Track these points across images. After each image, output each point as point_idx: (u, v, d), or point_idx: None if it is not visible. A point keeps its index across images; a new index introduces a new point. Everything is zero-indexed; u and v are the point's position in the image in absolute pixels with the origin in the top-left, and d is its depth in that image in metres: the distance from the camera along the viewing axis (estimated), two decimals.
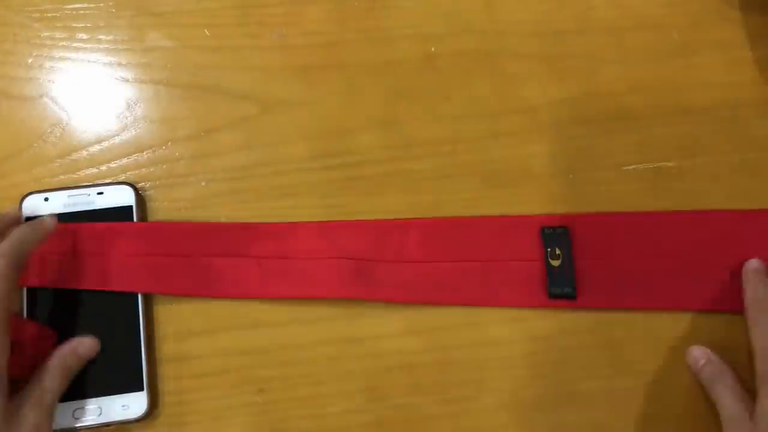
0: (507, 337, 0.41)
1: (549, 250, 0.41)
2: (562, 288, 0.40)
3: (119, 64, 0.44)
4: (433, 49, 0.45)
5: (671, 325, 0.41)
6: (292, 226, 0.41)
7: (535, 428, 0.40)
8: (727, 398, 0.38)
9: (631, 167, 0.43)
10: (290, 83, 0.44)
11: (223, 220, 0.42)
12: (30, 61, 0.44)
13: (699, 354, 0.40)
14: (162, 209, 0.42)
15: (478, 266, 0.41)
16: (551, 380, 0.40)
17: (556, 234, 0.41)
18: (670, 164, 0.44)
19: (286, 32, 0.45)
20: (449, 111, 0.44)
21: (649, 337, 0.41)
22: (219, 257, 0.41)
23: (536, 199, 0.43)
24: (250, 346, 0.40)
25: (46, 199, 0.41)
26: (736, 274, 0.41)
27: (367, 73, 0.45)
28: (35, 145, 0.43)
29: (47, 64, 0.44)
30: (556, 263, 0.41)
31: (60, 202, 0.41)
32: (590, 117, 0.44)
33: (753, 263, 0.41)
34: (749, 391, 0.38)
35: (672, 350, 0.40)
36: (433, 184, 0.43)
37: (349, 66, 0.45)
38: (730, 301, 0.41)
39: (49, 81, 0.44)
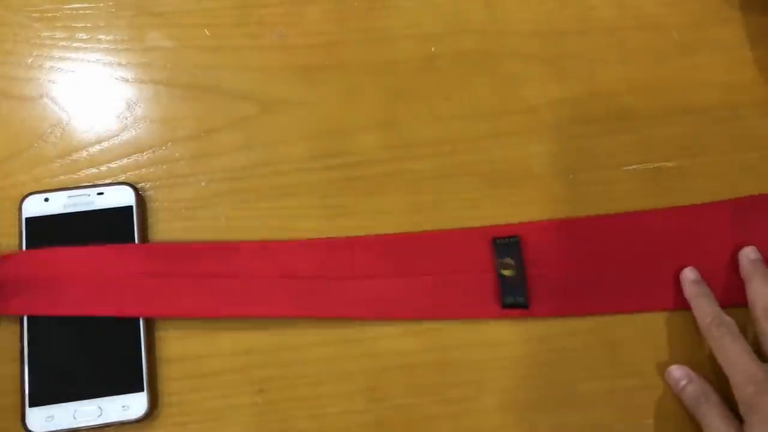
0: (506, 338, 0.41)
1: (500, 260, 0.41)
2: (515, 297, 0.40)
3: (119, 64, 0.44)
4: (433, 49, 0.45)
5: (671, 325, 0.41)
6: (234, 246, 0.41)
7: (535, 429, 0.40)
8: (715, 420, 0.37)
9: (631, 167, 0.43)
10: (290, 83, 0.44)
11: (223, 220, 0.42)
12: (30, 61, 0.44)
13: (680, 374, 0.39)
14: (162, 209, 0.42)
15: (429, 280, 0.41)
16: (551, 381, 0.40)
17: (508, 244, 0.41)
18: (670, 164, 0.44)
19: (286, 32, 0.45)
20: (449, 111, 0.44)
21: (649, 337, 0.41)
22: (158, 278, 0.40)
23: (536, 199, 0.43)
24: (250, 346, 0.40)
25: (46, 200, 0.41)
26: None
27: (367, 73, 0.45)
28: (35, 145, 0.43)
29: (47, 64, 0.44)
30: (508, 273, 0.41)
31: (60, 203, 0.41)
32: (590, 117, 0.44)
33: (688, 275, 0.40)
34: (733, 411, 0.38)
35: (672, 350, 0.40)
36: (433, 184, 0.43)
37: (349, 66, 0.45)
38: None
39: (49, 81, 0.44)
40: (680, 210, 0.42)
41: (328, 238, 0.42)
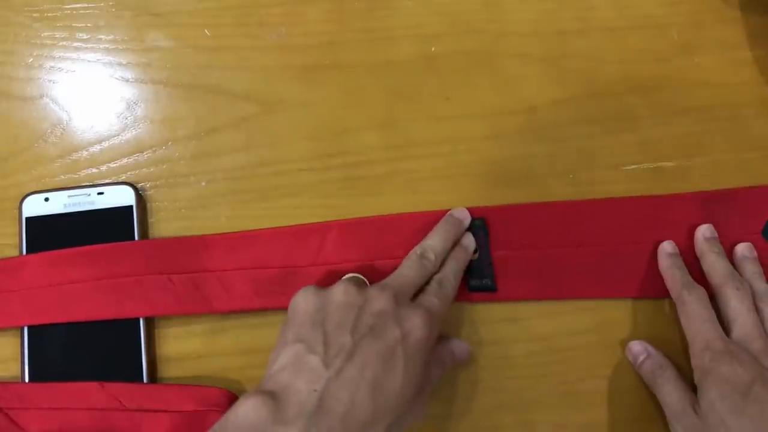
0: (506, 337, 0.41)
1: None
2: (481, 280, 0.40)
3: (119, 64, 0.44)
4: (433, 49, 0.45)
5: (672, 325, 0.41)
6: (203, 240, 0.41)
7: (535, 428, 0.40)
8: (670, 394, 0.38)
9: (631, 167, 0.44)
10: (290, 83, 0.44)
11: (223, 220, 0.42)
12: (30, 61, 0.44)
13: (639, 350, 0.40)
14: (162, 209, 0.42)
15: (398, 263, 0.40)
16: (551, 380, 0.40)
17: (474, 227, 0.41)
18: (670, 164, 0.44)
19: (286, 32, 0.45)
20: (449, 111, 0.44)
21: (649, 337, 0.41)
22: (129, 277, 0.40)
23: (536, 200, 0.43)
24: (250, 346, 0.40)
25: (47, 199, 0.41)
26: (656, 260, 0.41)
27: (367, 73, 0.45)
28: (35, 145, 0.43)
29: (47, 64, 0.44)
30: (474, 256, 0.41)
31: (60, 203, 0.41)
32: (590, 117, 0.44)
33: (666, 247, 0.41)
34: (691, 384, 0.38)
35: (672, 350, 0.40)
36: (433, 184, 0.43)
37: (349, 66, 0.45)
38: (653, 288, 0.41)
39: (49, 81, 0.44)
40: (651, 199, 0.42)
41: (298, 224, 0.41)
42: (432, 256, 0.38)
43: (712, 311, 0.38)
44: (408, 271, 0.37)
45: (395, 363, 0.33)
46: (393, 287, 0.35)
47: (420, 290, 0.38)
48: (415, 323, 0.34)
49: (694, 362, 0.37)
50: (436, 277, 0.38)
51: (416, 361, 0.33)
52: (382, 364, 0.32)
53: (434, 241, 0.39)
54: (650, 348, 0.40)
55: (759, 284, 0.40)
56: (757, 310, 0.39)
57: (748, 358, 0.36)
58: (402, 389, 0.32)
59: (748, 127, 0.44)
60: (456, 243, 0.40)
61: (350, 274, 0.38)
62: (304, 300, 0.35)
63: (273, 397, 0.31)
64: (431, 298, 0.37)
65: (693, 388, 0.37)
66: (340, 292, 0.35)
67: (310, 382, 0.31)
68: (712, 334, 0.37)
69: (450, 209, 0.42)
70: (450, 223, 0.40)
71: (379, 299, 0.34)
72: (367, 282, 0.39)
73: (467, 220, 0.41)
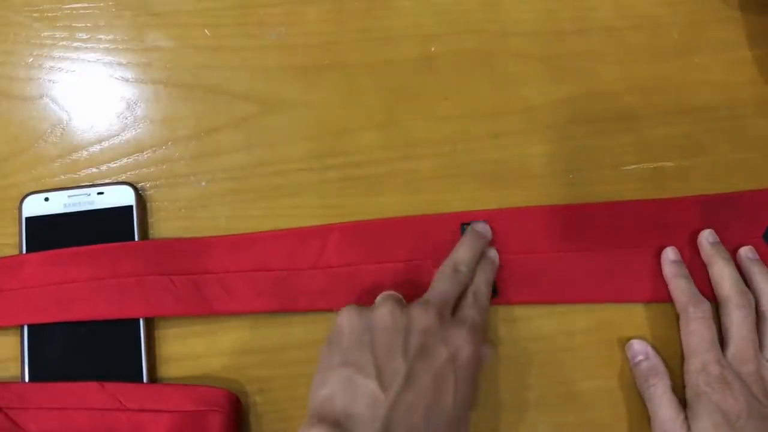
0: (507, 337, 0.41)
1: None
2: None
3: (119, 64, 0.44)
4: (433, 49, 0.45)
5: (672, 325, 0.41)
6: (205, 242, 0.41)
7: (535, 428, 0.40)
8: (662, 407, 0.37)
9: (630, 167, 0.44)
10: (290, 83, 0.44)
11: (223, 220, 0.42)
12: (30, 61, 0.44)
13: (639, 349, 0.40)
14: (162, 209, 0.42)
15: (399, 267, 0.41)
16: (551, 380, 0.40)
17: None
18: (670, 164, 0.44)
19: (286, 32, 0.45)
20: (449, 111, 0.44)
21: (649, 337, 0.41)
22: (130, 277, 0.40)
23: (536, 200, 0.43)
24: (250, 346, 0.40)
25: (47, 199, 0.41)
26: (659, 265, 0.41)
27: (367, 73, 0.45)
28: (35, 145, 0.43)
29: (47, 64, 0.44)
30: None
31: (60, 203, 0.41)
32: (590, 117, 0.44)
33: (669, 254, 0.41)
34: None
35: (672, 351, 0.40)
36: (433, 184, 0.43)
37: (349, 66, 0.45)
38: (656, 293, 0.41)
39: (49, 81, 0.44)
40: (652, 203, 0.42)
41: (300, 227, 0.41)
42: (464, 269, 0.38)
43: (714, 332, 0.38)
44: (444, 284, 0.37)
45: (447, 385, 0.33)
46: (435, 304, 0.36)
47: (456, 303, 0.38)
48: (461, 342, 0.34)
49: (687, 378, 0.38)
50: (471, 288, 0.38)
51: (466, 379, 0.34)
52: (435, 386, 0.33)
53: (463, 254, 0.39)
54: (651, 351, 0.40)
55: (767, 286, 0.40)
56: (759, 315, 0.39)
57: (739, 386, 0.36)
58: (454, 410, 0.33)
59: (748, 127, 0.44)
60: (482, 256, 0.40)
61: (387, 292, 0.37)
62: (348, 321, 0.35)
63: (338, 426, 0.31)
64: (471, 311, 0.37)
65: (682, 397, 0.38)
66: (386, 312, 0.35)
67: (370, 407, 0.31)
68: (710, 357, 0.37)
69: (453, 212, 0.42)
70: (474, 237, 0.40)
71: (423, 317, 0.34)
72: (403, 299, 0.38)
73: (489, 234, 0.41)
